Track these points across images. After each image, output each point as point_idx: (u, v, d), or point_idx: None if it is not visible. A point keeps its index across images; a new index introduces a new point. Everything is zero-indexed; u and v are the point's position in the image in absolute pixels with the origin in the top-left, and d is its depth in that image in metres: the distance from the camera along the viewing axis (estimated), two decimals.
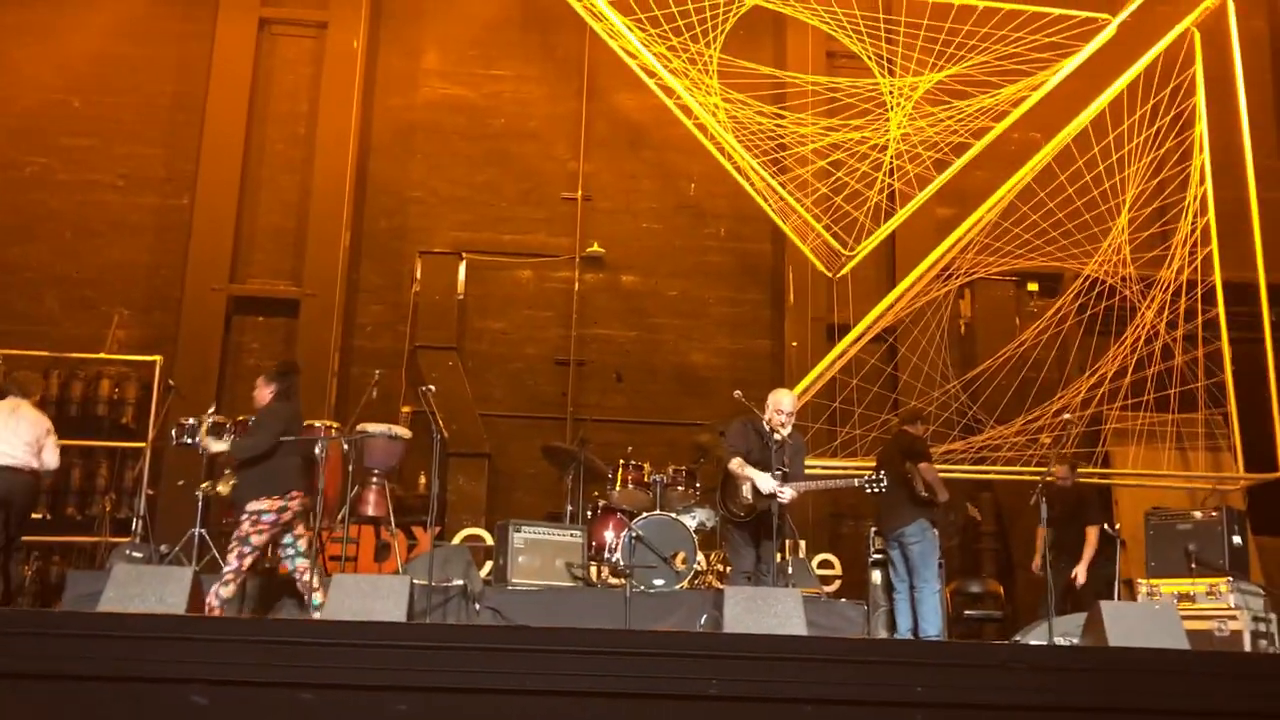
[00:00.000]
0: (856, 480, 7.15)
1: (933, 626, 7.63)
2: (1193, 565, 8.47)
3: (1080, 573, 8.24)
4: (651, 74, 10.51)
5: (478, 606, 7.13)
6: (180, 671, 3.51)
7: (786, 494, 6.87)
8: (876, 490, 7.05)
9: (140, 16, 11.88)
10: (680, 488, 8.62)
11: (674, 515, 8.13)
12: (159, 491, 10.01)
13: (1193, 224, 10.58)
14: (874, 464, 8.36)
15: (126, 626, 3.75)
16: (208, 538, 7.56)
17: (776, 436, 7.05)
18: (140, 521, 8.72)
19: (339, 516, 7.64)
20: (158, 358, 10.54)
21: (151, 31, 11.87)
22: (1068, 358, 10.70)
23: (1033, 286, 11.58)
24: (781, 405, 7.19)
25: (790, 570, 7.83)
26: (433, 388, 8.20)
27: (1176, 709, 4.62)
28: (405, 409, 10.61)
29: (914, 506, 7.79)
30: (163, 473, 10.14)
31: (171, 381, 9.40)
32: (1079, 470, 9.15)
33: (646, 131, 11.99)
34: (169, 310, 11.20)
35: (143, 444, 9.88)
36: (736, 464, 7.11)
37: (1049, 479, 8.05)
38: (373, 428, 7.77)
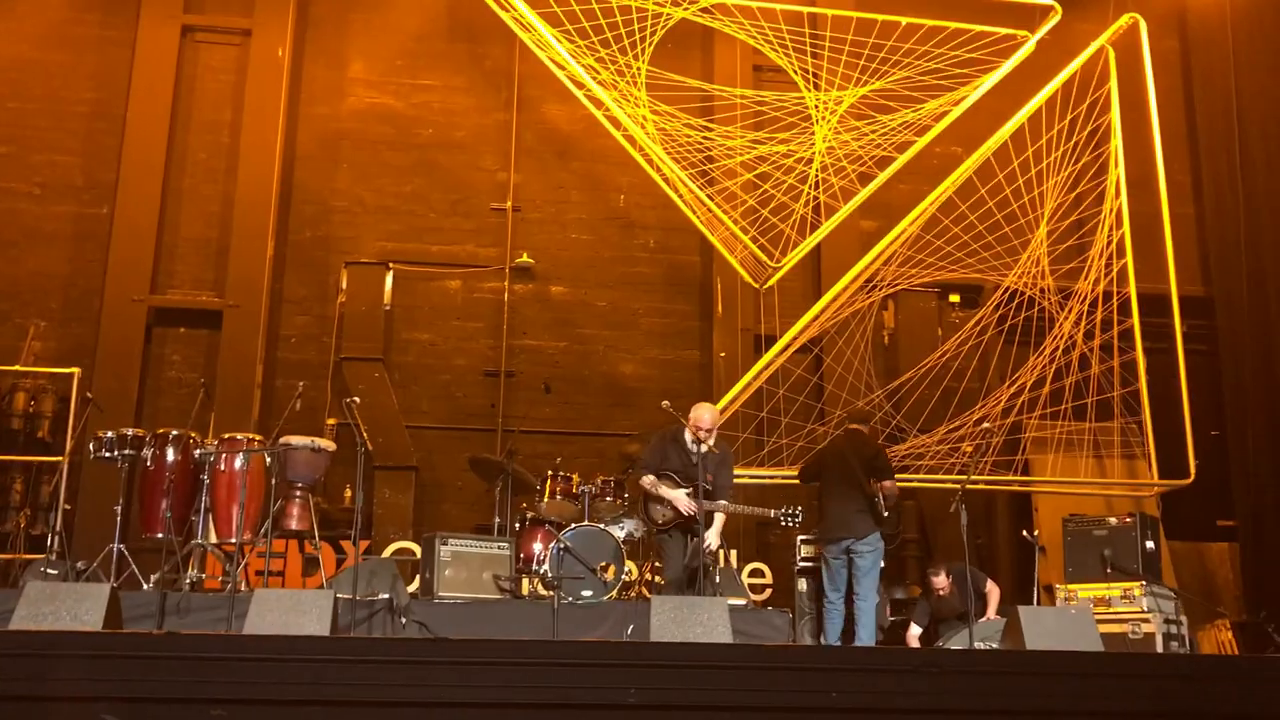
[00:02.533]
0: (773, 512, 7.33)
1: (869, 637, 7.76)
2: (1108, 570, 8.67)
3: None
4: (580, 85, 10.54)
5: (403, 620, 7.07)
6: (89, 690, 3.45)
7: (713, 543, 7.09)
8: (791, 524, 7.24)
9: (58, 22, 11.63)
10: (609, 498, 8.62)
11: (602, 526, 8.14)
12: (76, 507, 9.79)
13: (1109, 237, 10.86)
14: (808, 465, 8.41)
15: (35, 644, 3.66)
16: (127, 554, 7.41)
17: (702, 448, 7.15)
18: (56, 538, 8.52)
19: (261, 530, 7.55)
20: (75, 370, 10.32)
21: (70, 37, 11.63)
22: (988, 367, 10.89)
23: (954, 298, 11.78)
24: (701, 421, 7.32)
25: (718, 580, 7.89)
26: (357, 399, 8.12)
27: (1089, 709, 4.74)
28: (330, 421, 10.53)
29: (872, 519, 7.92)
30: (80, 488, 9.93)
31: (90, 394, 9.21)
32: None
33: (576, 143, 12.01)
34: (87, 322, 10.97)
35: (59, 458, 9.67)
36: (648, 482, 7.31)
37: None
38: (296, 440, 7.68)
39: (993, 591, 8.45)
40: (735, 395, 10.34)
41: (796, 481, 8.75)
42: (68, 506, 9.50)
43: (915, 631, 8.45)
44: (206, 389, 9.34)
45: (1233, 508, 10.99)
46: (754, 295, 11.00)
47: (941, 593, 8.35)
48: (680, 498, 7.11)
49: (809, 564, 8.79)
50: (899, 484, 9.90)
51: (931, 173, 11.31)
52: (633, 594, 8.28)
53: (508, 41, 11.64)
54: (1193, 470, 10.39)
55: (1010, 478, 10.29)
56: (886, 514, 7.93)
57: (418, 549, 9.18)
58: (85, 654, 3.58)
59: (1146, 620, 8.34)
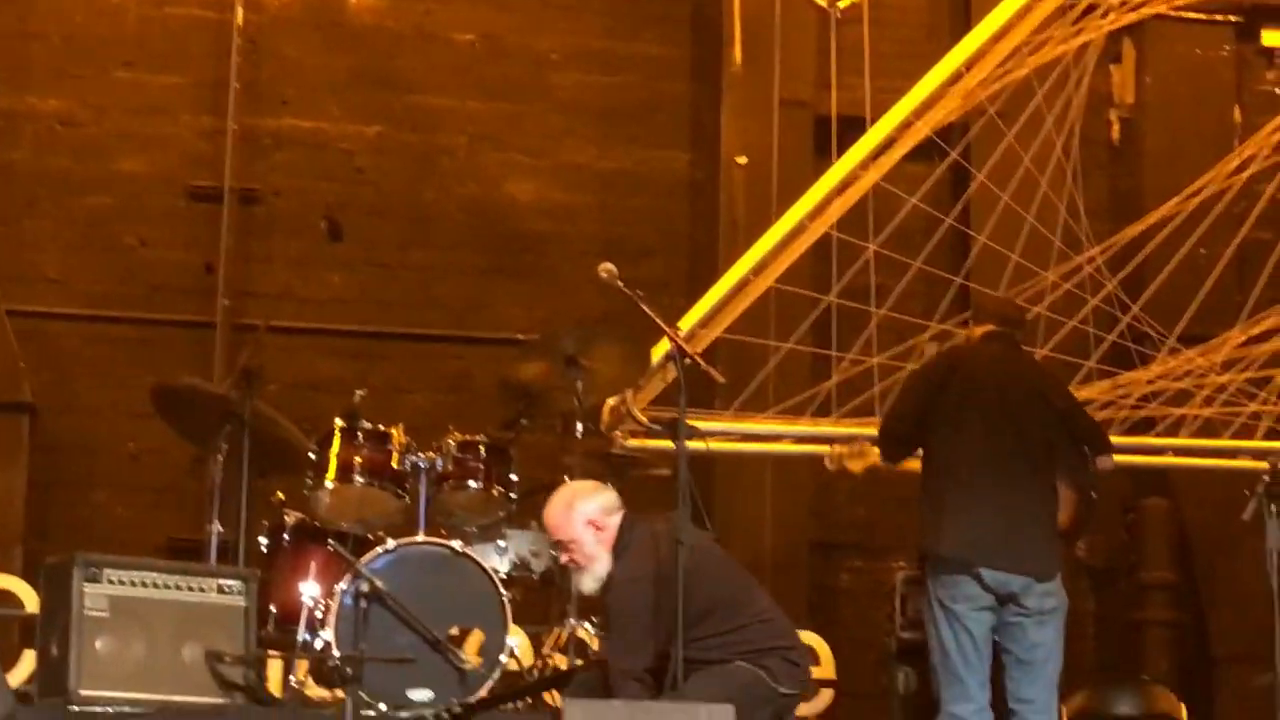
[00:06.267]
0: None
1: None
2: None
3: None
4: None
5: None
6: None
7: None
8: None
9: None
10: (473, 484, 8.73)
11: (457, 547, 8.27)
12: None
13: None
14: (904, 403, 8.50)
15: None
16: None
17: (582, 583, 7.52)
18: None
19: None
20: None
21: None
22: None
23: (1272, 38, 12.01)
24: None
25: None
26: None
27: None
28: None
29: (1060, 543, 8.15)
30: None
31: None
32: None
33: None
34: None
35: None
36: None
37: None
38: None
39: None
40: (761, 258, 10.40)
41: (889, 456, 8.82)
42: None
43: None
44: None
45: None
46: (817, 24, 11.17)
47: None
48: None
49: (918, 636, 8.94)
50: (1136, 459, 10.09)
51: None
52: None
53: None
54: None
55: None
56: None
57: (33, 595, 9.22)
58: None
59: None
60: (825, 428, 10.25)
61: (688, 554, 7.01)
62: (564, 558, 7.47)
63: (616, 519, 7.40)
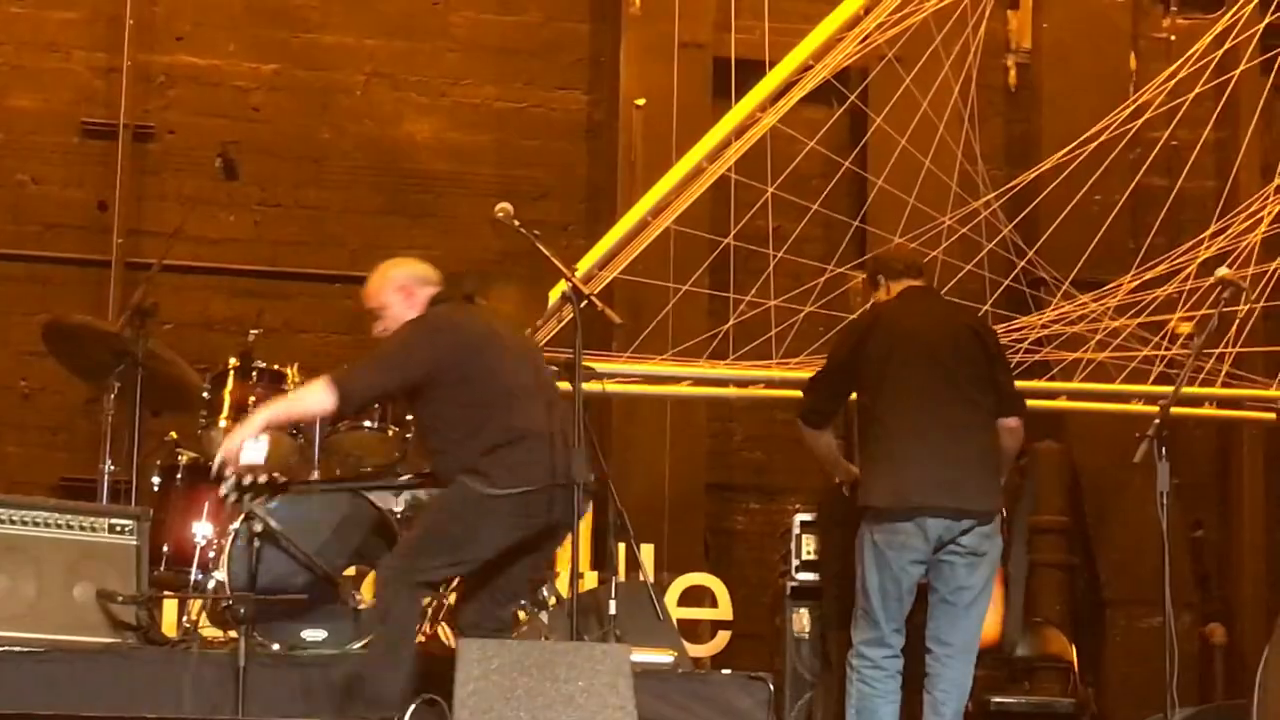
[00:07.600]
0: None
1: None
2: None
3: None
4: None
5: None
6: None
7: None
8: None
9: None
10: (368, 424, 8.75)
11: (352, 486, 8.27)
12: None
13: None
14: (831, 371, 8.46)
15: None
16: None
17: None
18: None
19: None
20: None
21: None
22: (1237, 146, 11.11)
23: None
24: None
25: (614, 603, 8.10)
26: None
27: None
28: None
29: (999, 484, 8.12)
30: None
31: None
32: None
33: None
34: None
35: None
36: None
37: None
38: None
39: None
40: (659, 200, 10.36)
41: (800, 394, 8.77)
42: None
43: None
44: None
45: None
46: None
47: None
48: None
49: (812, 578, 9.07)
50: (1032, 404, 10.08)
51: None
52: (419, 635, 8.38)
53: None
54: None
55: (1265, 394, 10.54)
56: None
57: None
58: None
59: None
60: (722, 370, 10.27)
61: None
62: (377, 327, 7.45)
63: (429, 290, 7.45)
